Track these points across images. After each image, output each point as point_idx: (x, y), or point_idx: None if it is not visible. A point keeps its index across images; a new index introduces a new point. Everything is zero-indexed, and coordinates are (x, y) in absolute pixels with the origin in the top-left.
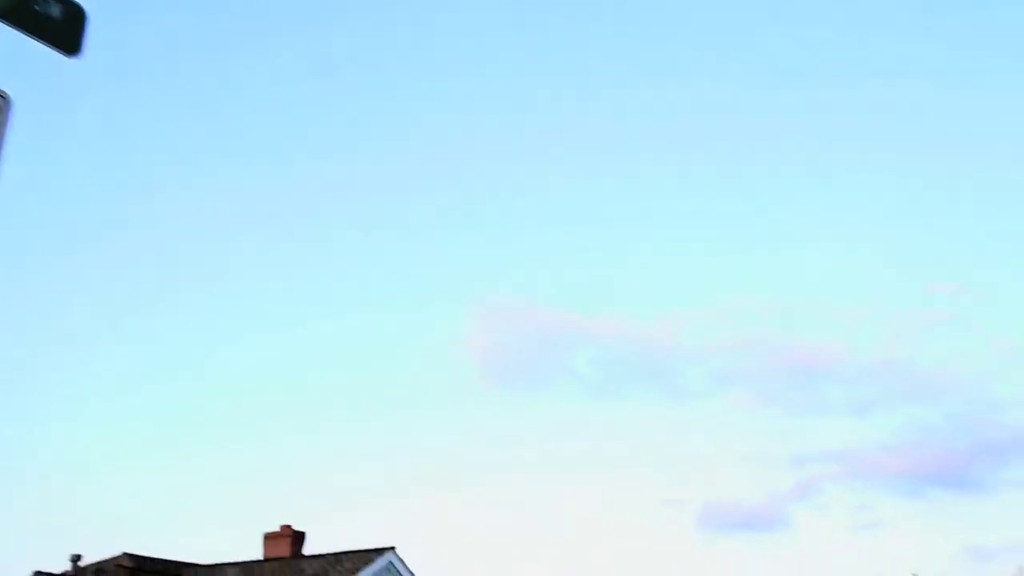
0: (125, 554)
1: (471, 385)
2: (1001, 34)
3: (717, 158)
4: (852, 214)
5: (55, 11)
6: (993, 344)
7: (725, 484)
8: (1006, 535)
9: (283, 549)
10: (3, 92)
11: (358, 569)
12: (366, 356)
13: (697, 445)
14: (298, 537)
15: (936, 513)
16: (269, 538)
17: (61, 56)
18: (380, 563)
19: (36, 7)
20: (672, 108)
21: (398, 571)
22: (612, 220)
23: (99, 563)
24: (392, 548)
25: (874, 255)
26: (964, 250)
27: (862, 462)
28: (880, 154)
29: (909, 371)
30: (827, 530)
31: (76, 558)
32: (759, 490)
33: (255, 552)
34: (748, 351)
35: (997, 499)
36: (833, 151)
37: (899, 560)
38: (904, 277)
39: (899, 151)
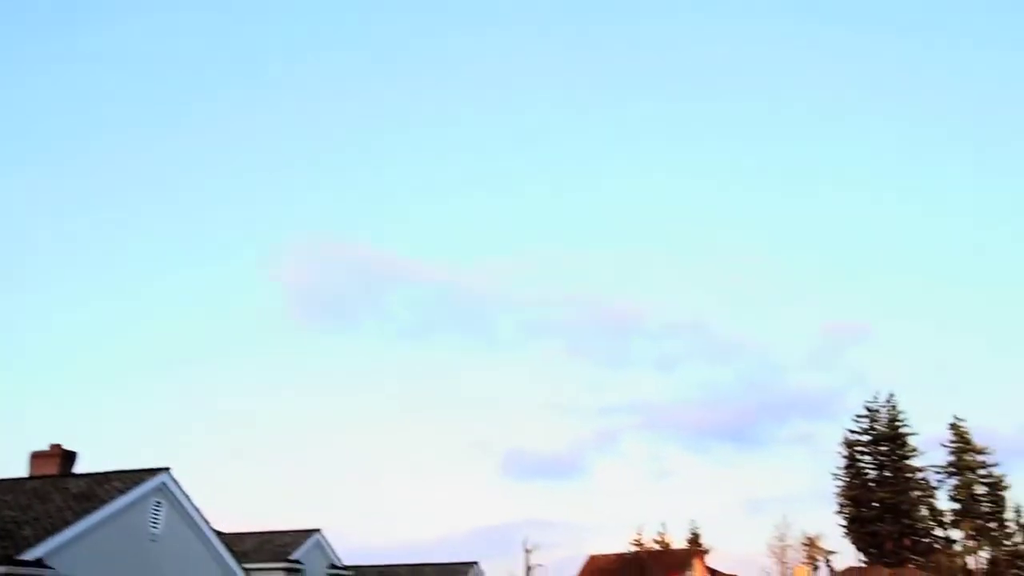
0: None
1: (281, 321)
2: None
3: (546, 111)
4: (671, 182)
5: None
6: (783, 314)
7: (531, 431)
8: (777, 487)
9: (51, 468)
10: None
11: (128, 488)
12: (170, 286)
13: (506, 392)
14: (68, 456)
15: (720, 465)
16: (37, 457)
17: None
18: (152, 483)
19: None
20: (504, 53)
21: (171, 492)
22: (437, 163)
23: None
24: (166, 469)
25: (687, 223)
26: (766, 226)
27: (660, 415)
28: (701, 122)
29: (709, 333)
30: (623, 478)
31: None
32: (562, 438)
33: (22, 471)
34: (562, 303)
35: (773, 454)
36: (658, 120)
37: (685, 508)
38: (713, 246)
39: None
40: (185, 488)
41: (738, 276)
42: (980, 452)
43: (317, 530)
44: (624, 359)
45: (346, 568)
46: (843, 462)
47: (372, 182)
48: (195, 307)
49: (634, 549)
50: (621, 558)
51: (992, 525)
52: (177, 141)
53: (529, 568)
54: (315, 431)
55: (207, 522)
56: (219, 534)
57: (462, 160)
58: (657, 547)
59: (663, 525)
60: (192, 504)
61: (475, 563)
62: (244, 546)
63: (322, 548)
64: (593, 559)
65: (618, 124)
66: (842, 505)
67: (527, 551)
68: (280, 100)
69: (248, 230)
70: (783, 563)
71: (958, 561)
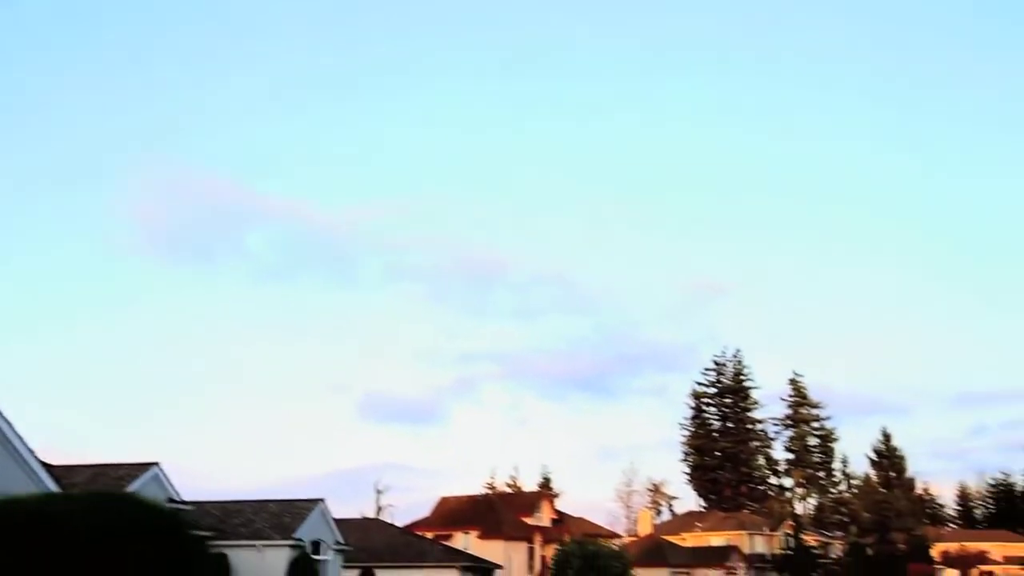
0: None
1: (127, 255)
2: None
3: (421, 56)
4: (541, 134)
5: None
6: (644, 269)
7: (391, 375)
8: (628, 436)
9: None
10: None
11: None
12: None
13: (367, 336)
14: None
15: (576, 414)
16: None
17: None
18: None
19: None
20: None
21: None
22: (305, 103)
23: None
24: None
25: (553, 172)
26: (632, 182)
27: (519, 364)
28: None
29: (571, 285)
30: (481, 424)
31: None
32: (422, 383)
33: None
34: (426, 249)
35: (627, 404)
36: (522, 71)
37: (539, 454)
38: (579, 200)
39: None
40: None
41: (602, 230)
42: (815, 406)
43: (155, 463)
44: (486, 308)
45: (185, 503)
46: (690, 413)
47: (236, 117)
48: (32, 234)
49: (485, 492)
50: (472, 500)
51: (821, 474)
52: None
53: (380, 508)
54: (166, 370)
55: (23, 441)
56: (48, 466)
57: (329, 101)
58: (509, 491)
59: (516, 470)
60: (7, 423)
61: (320, 500)
62: (75, 479)
63: (160, 482)
64: (444, 500)
65: (492, 70)
66: (687, 454)
67: (378, 491)
68: (146, 19)
69: (96, 157)
70: (629, 507)
71: (788, 507)
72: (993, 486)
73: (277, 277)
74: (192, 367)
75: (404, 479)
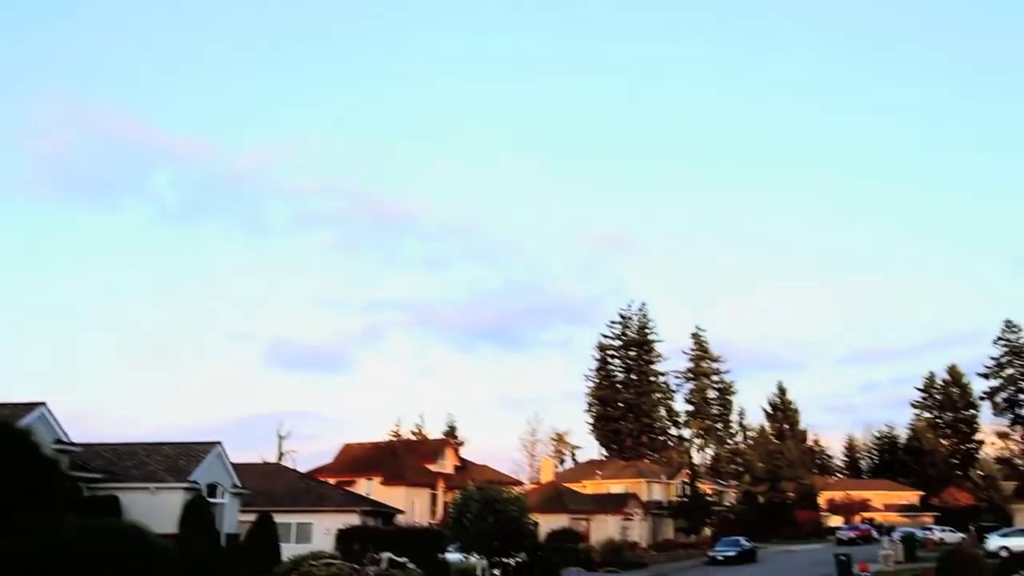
0: None
1: (28, 193)
2: None
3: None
4: (455, 85)
5: None
6: (554, 221)
7: (297, 323)
8: (534, 387)
9: None
10: None
11: None
12: None
13: (273, 282)
14: None
15: (483, 365)
16: None
17: None
18: None
19: None
20: None
21: None
22: (213, 38)
23: None
24: None
25: (467, 125)
26: (545, 132)
27: (427, 314)
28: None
29: (481, 236)
30: (387, 373)
31: None
32: (329, 331)
33: None
34: (336, 196)
35: (534, 356)
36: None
37: (445, 403)
38: (492, 152)
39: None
40: None
41: (514, 183)
42: (715, 360)
43: (42, 403)
44: (395, 257)
45: (74, 445)
46: (595, 364)
47: (143, 52)
48: None
49: (390, 439)
50: (375, 447)
51: (719, 426)
52: None
53: (282, 454)
54: (62, 311)
55: None
56: None
57: (241, 39)
58: (413, 438)
59: (421, 418)
60: None
61: (217, 443)
62: None
63: (47, 422)
64: (347, 447)
65: (412, 26)
66: (590, 404)
67: (280, 437)
68: None
69: None
70: (533, 456)
71: (685, 456)
72: (878, 438)
73: (182, 220)
74: (90, 309)
75: (310, 427)
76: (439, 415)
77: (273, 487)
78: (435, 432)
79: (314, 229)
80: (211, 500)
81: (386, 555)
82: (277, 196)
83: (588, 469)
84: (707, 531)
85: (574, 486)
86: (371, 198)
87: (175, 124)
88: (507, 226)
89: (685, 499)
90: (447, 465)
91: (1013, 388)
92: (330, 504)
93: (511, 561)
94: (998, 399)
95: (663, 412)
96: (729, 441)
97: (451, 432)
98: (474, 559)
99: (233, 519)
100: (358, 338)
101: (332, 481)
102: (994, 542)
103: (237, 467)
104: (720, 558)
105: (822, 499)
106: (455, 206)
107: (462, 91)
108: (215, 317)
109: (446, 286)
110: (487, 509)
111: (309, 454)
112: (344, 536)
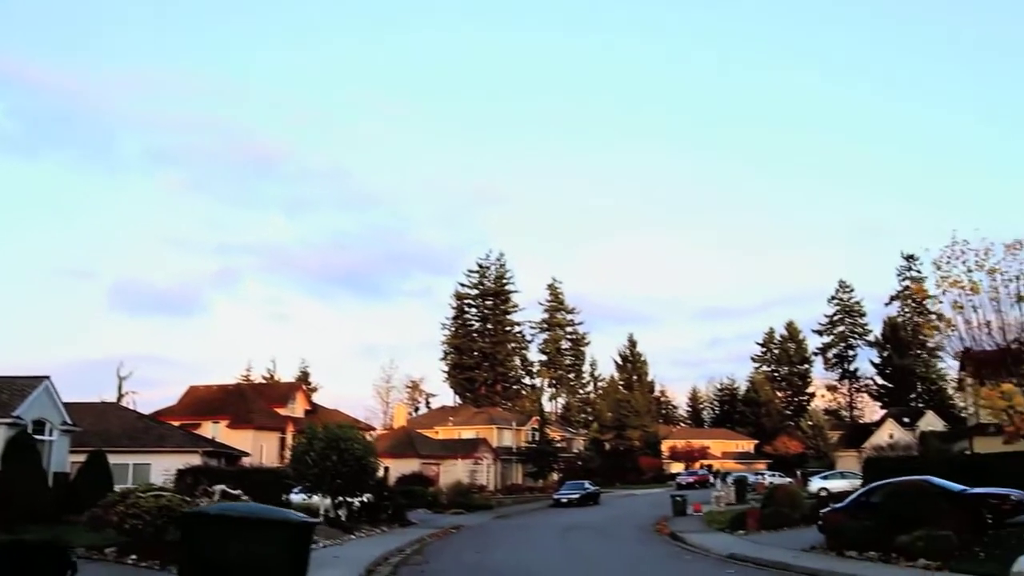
0: None
1: None
2: None
3: None
4: (324, 29)
5: None
6: (420, 170)
7: (145, 263)
8: (393, 336)
9: None
10: None
11: None
12: None
13: (120, 220)
14: None
15: (341, 312)
16: None
17: None
18: None
19: None
20: None
21: None
22: None
23: None
24: None
25: (335, 70)
26: (412, 80)
27: (285, 259)
28: None
29: (345, 181)
30: (242, 318)
31: None
32: (180, 274)
33: None
34: (192, 132)
35: (393, 305)
36: None
37: (302, 350)
38: (359, 96)
39: None
40: None
41: (381, 128)
42: (569, 312)
43: None
44: (253, 199)
45: None
46: (451, 313)
47: None
48: None
49: (238, 382)
50: (222, 389)
51: (571, 376)
52: None
53: (121, 395)
54: None
55: None
56: None
57: None
58: (263, 382)
59: (273, 363)
60: None
61: (46, 378)
62: None
63: None
64: (193, 389)
65: None
66: (446, 353)
67: (120, 377)
68: None
69: None
70: (387, 403)
71: (536, 405)
72: (720, 390)
73: (21, 151)
74: None
75: (157, 371)
76: (293, 361)
77: (109, 427)
78: (288, 378)
79: (167, 166)
80: (37, 437)
81: (219, 487)
82: (130, 129)
83: (441, 415)
84: (555, 476)
85: (426, 432)
86: (230, 137)
87: (17, 48)
88: (370, 173)
89: (534, 445)
90: (297, 409)
91: (843, 344)
92: (170, 445)
93: (355, 501)
94: (830, 355)
95: (517, 362)
96: (580, 391)
97: (304, 378)
98: (317, 499)
99: (63, 457)
100: (210, 281)
101: (176, 423)
102: (815, 484)
103: (70, 406)
104: (564, 500)
105: (665, 447)
106: (317, 150)
107: (329, 33)
108: (53, 252)
109: (305, 231)
110: (331, 447)
111: (155, 398)
112: (182, 475)
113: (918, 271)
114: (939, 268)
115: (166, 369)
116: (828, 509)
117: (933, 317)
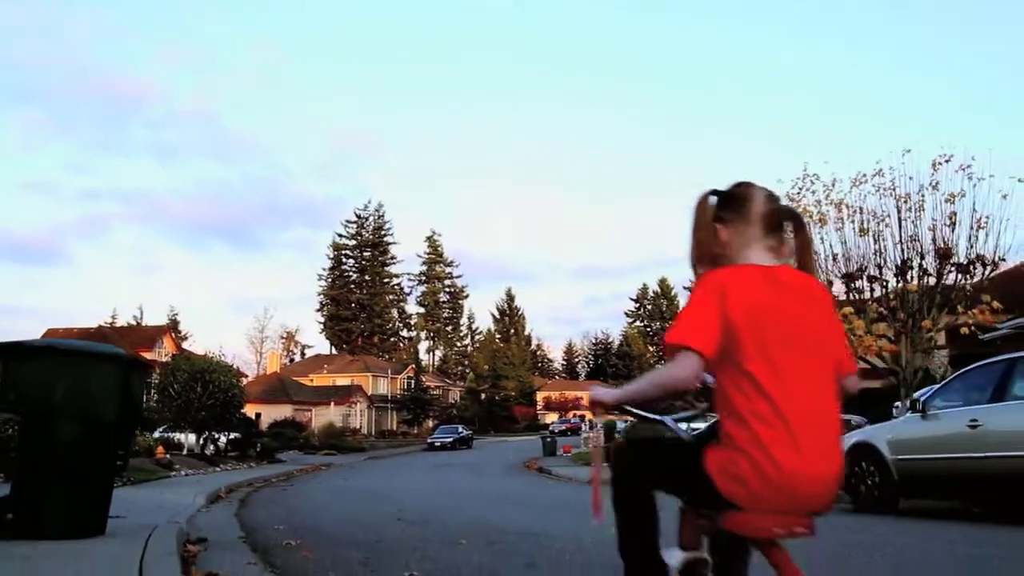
0: None
1: None
2: None
3: None
4: None
5: None
6: (297, 118)
7: (1, 210)
8: (269, 289)
9: None
10: None
11: None
12: None
13: None
14: None
15: (215, 264)
16: None
17: None
18: None
19: None
20: None
21: None
22: None
23: None
24: None
25: (206, 11)
26: (287, 25)
27: (154, 207)
28: None
29: (218, 127)
30: (108, 266)
31: None
32: (39, 221)
33: None
34: (51, 69)
35: (270, 257)
36: None
37: (172, 301)
38: (232, 38)
39: None
40: None
41: (255, 72)
42: (448, 265)
43: None
44: (118, 142)
45: None
46: (328, 264)
47: None
48: None
49: (100, 325)
50: (83, 332)
51: (449, 328)
52: None
53: None
54: None
55: None
56: None
57: None
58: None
59: (140, 310)
60: None
61: None
62: None
63: None
64: (51, 332)
65: None
66: (322, 304)
67: None
68: None
69: None
70: (260, 354)
71: (412, 354)
72: (594, 344)
73: None
74: None
75: (14, 321)
76: (162, 309)
77: None
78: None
79: (24, 104)
80: None
81: None
82: None
83: (315, 363)
84: (430, 423)
85: (301, 380)
86: (92, 75)
87: None
88: (246, 120)
89: (409, 393)
90: (165, 353)
91: None
92: None
93: (222, 437)
94: None
95: (395, 314)
96: (458, 344)
97: (174, 325)
98: (180, 436)
99: None
100: (74, 229)
101: None
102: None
103: None
104: (438, 444)
105: (540, 398)
106: (189, 93)
107: None
108: None
109: (176, 178)
110: (194, 380)
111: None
112: None
113: None
114: (792, 201)
115: (23, 318)
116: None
117: None
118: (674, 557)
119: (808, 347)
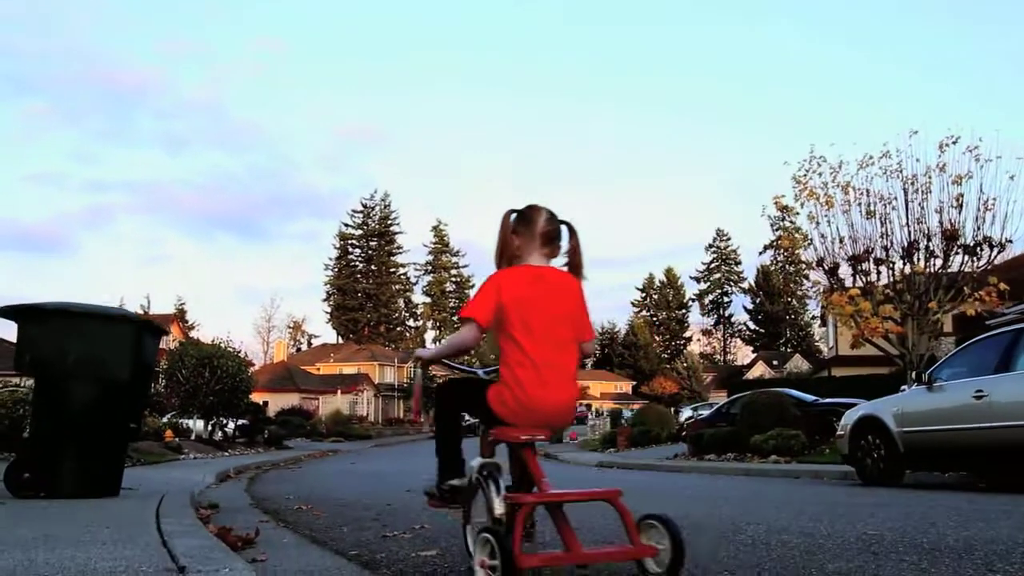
0: None
1: None
2: None
3: None
4: None
5: None
6: (304, 109)
7: (9, 200)
8: (276, 279)
9: None
10: None
11: None
12: None
13: None
14: None
15: (221, 255)
16: None
17: None
18: None
19: None
20: None
21: None
22: None
23: None
24: None
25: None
26: (295, 16)
27: (161, 198)
28: None
29: (225, 117)
30: (115, 258)
31: None
32: (46, 211)
33: None
34: (57, 59)
35: (277, 248)
36: None
37: (179, 291)
38: (240, 27)
39: None
40: None
41: (263, 63)
42: (454, 254)
43: None
44: (125, 133)
45: None
46: (335, 253)
47: None
48: None
49: None
50: None
51: (455, 318)
52: None
53: None
54: None
55: None
56: None
57: None
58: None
59: (147, 299)
60: None
61: None
62: None
63: None
64: None
65: None
66: (329, 293)
67: None
68: None
69: None
70: (267, 343)
71: (419, 342)
72: (601, 334)
73: None
74: None
75: None
76: (169, 299)
77: None
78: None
79: (29, 95)
80: None
81: None
82: None
83: (322, 352)
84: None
85: (308, 369)
86: (99, 65)
87: None
88: (252, 111)
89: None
90: (173, 340)
91: (719, 291)
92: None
93: (230, 423)
94: (706, 301)
95: (401, 303)
96: None
97: (181, 314)
98: (189, 423)
99: None
100: (80, 219)
101: None
102: (685, 413)
103: None
104: None
105: None
106: (195, 84)
107: None
108: None
109: (184, 169)
110: (202, 365)
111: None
112: None
113: (791, 221)
114: (798, 183)
115: None
116: (691, 419)
117: (791, 229)
118: (475, 461)
119: (554, 321)
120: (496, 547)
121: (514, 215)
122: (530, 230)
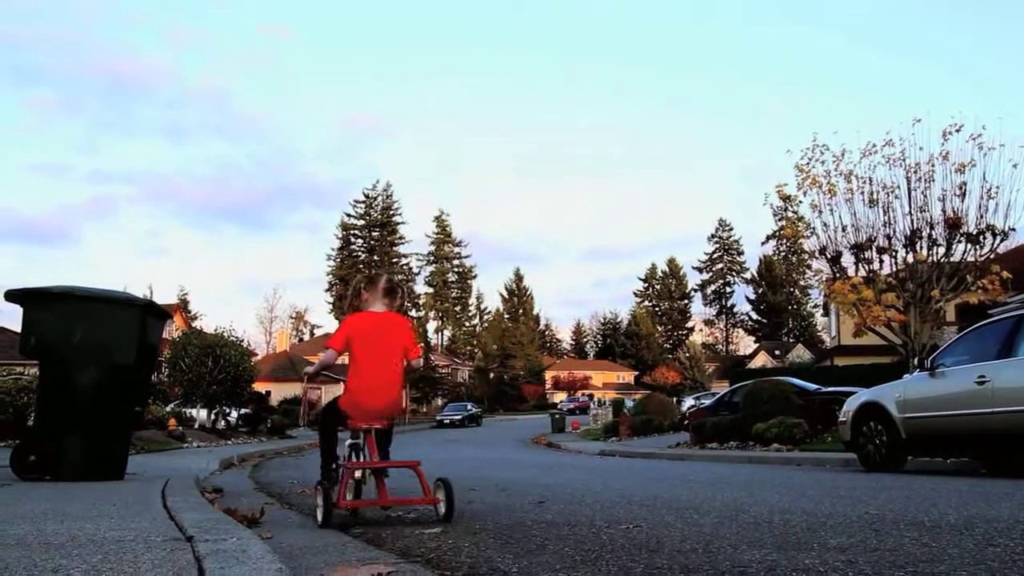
0: None
1: None
2: None
3: None
4: None
5: None
6: (307, 100)
7: (11, 191)
8: (279, 270)
9: None
10: None
11: None
12: None
13: None
14: None
15: (224, 244)
16: None
17: None
18: None
19: None
20: None
21: None
22: None
23: None
24: None
25: None
26: (298, 4)
27: (163, 189)
28: None
29: (228, 108)
30: (118, 249)
31: None
32: (46, 202)
33: None
34: (59, 50)
35: (279, 239)
36: None
37: (181, 281)
38: (245, 17)
39: None
40: None
41: (267, 52)
42: (457, 245)
43: None
44: (128, 123)
45: None
46: (337, 244)
47: None
48: None
49: None
50: None
51: (457, 309)
52: None
53: None
54: None
55: None
56: None
57: None
58: None
59: (150, 289)
60: None
61: None
62: None
63: None
64: None
65: None
66: (331, 284)
67: None
68: None
69: None
70: (269, 334)
71: (421, 332)
72: (603, 324)
73: None
74: None
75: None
76: (172, 289)
77: None
78: (166, 302)
79: (33, 86)
80: None
81: None
82: None
83: (325, 342)
84: (439, 402)
85: (311, 359)
86: (102, 56)
87: None
88: (256, 101)
89: (418, 372)
90: (176, 329)
91: (721, 281)
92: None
93: (233, 411)
94: (708, 291)
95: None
96: (466, 324)
97: (184, 305)
98: (192, 412)
99: None
100: (83, 210)
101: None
102: (687, 402)
103: None
104: (447, 421)
105: (549, 377)
106: (199, 75)
107: None
108: None
109: (186, 159)
110: (206, 354)
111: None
112: None
113: (794, 211)
114: (801, 171)
115: None
116: (693, 408)
117: (793, 218)
118: (348, 442)
119: (384, 347)
120: (323, 494)
121: (364, 279)
122: (375, 288)
